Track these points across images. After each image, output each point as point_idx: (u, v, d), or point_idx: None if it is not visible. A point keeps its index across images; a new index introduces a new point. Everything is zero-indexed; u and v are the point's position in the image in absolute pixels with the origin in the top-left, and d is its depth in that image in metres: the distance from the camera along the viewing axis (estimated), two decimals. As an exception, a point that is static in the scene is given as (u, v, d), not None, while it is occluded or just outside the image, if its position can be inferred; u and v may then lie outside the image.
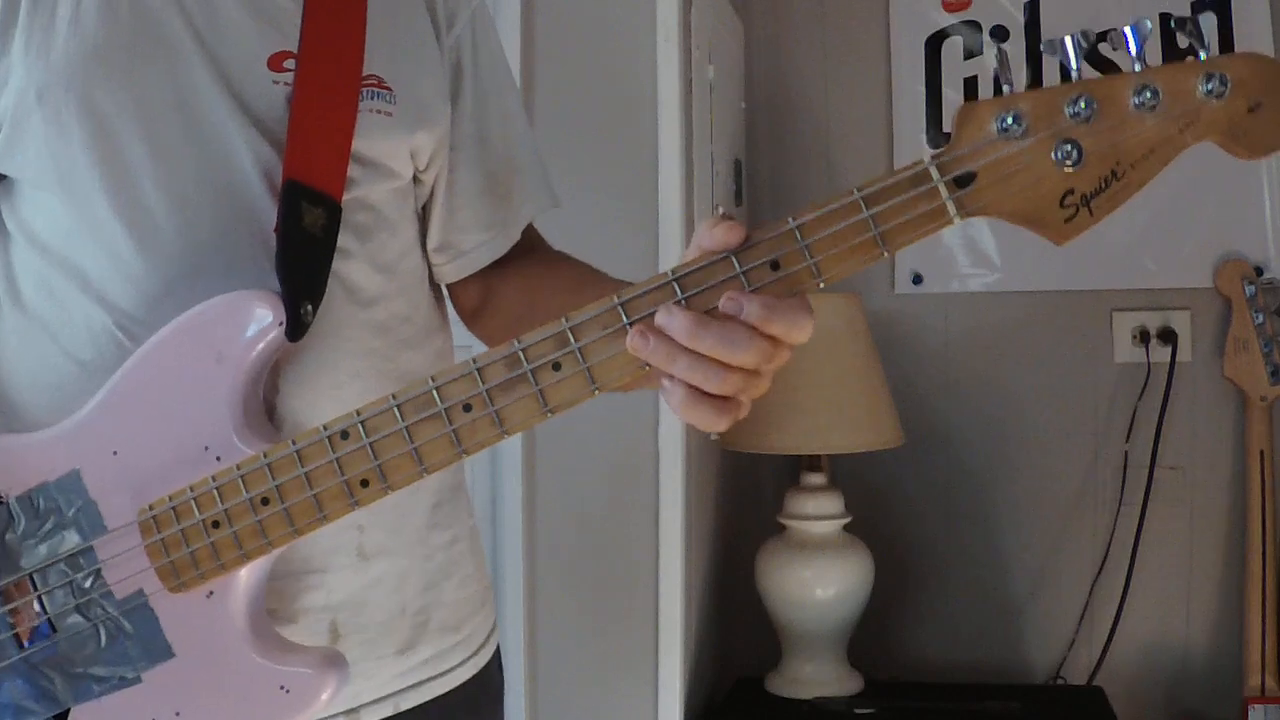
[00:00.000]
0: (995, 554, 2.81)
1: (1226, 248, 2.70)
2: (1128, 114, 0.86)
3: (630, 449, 2.26)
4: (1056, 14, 2.73)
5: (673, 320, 0.88)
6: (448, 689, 1.18)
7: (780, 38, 2.90)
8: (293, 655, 1.02)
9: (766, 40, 2.91)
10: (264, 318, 1.00)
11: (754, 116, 2.90)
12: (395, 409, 0.95)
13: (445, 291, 1.27)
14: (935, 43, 2.82)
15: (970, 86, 2.79)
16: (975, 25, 2.80)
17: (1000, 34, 2.77)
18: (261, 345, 1.01)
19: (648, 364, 0.90)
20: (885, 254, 0.88)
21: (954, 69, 2.81)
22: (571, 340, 0.92)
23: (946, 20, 2.81)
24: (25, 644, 1.01)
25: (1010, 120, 0.87)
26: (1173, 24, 0.88)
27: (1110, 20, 2.66)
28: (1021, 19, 2.76)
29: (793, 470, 2.63)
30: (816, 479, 2.56)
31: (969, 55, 2.80)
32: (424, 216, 1.22)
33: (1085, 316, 2.77)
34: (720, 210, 2.51)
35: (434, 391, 0.94)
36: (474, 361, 0.94)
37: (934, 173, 0.88)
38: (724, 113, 2.57)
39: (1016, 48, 2.74)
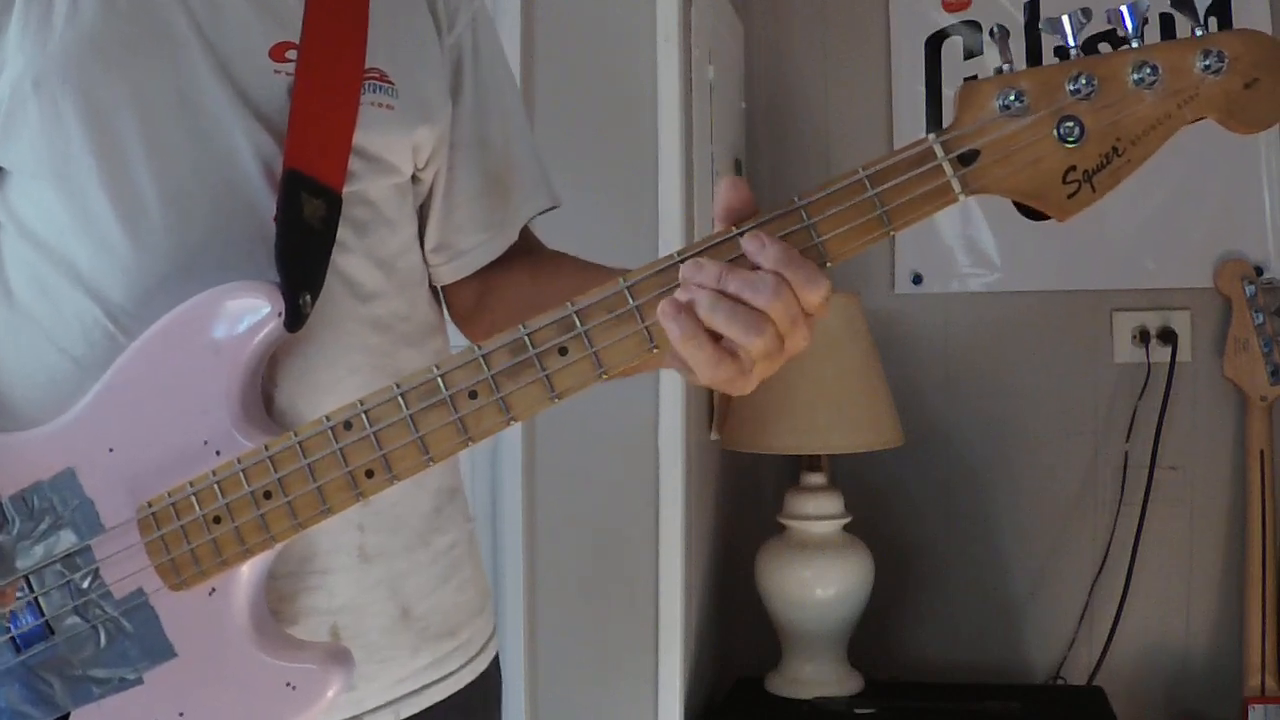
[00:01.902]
0: (995, 554, 2.81)
1: (1226, 248, 2.70)
2: (1127, 91, 0.87)
3: (630, 449, 2.25)
4: (1056, 14, 2.72)
5: (701, 268, 0.88)
6: (447, 694, 1.17)
7: (780, 38, 2.90)
8: (298, 651, 1.01)
9: (766, 40, 2.91)
10: (261, 308, 0.99)
11: (754, 116, 2.90)
12: (399, 397, 0.94)
13: (440, 294, 1.26)
14: (935, 43, 2.82)
15: (970, 86, 2.79)
16: (975, 25, 2.80)
17: (1000, 34, 2.76)
18: (260, 336, 0.99)
19: (684, 320, 0.88)
20: (890, 232, 0.89)
21: (954, 69, 2.81)
22: (578, 324, 0.91)
23: (946, 20, 2.81)
24: (22, 647, 1.00)
25: (1012, 98, 0.88)
26: (1170, 2, 0.89)
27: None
28: (1021, 19, 2.75)
29: (793, 470, 2.63)
30: (816, 479, 2.56)
31: (969, 55, 2.80)
32: (421, 216, 1.21)
33: (1085, 316, 2.77)
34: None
35: (439, 379, 0.93)
36: (479, 348, 0.93)
37: (938, 150, 0.88)
38: (724, 113, 2.57)
39: (1016, 48, 2.73)
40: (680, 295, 0.89)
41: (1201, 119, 0.87)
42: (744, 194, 0.90)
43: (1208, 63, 0.86)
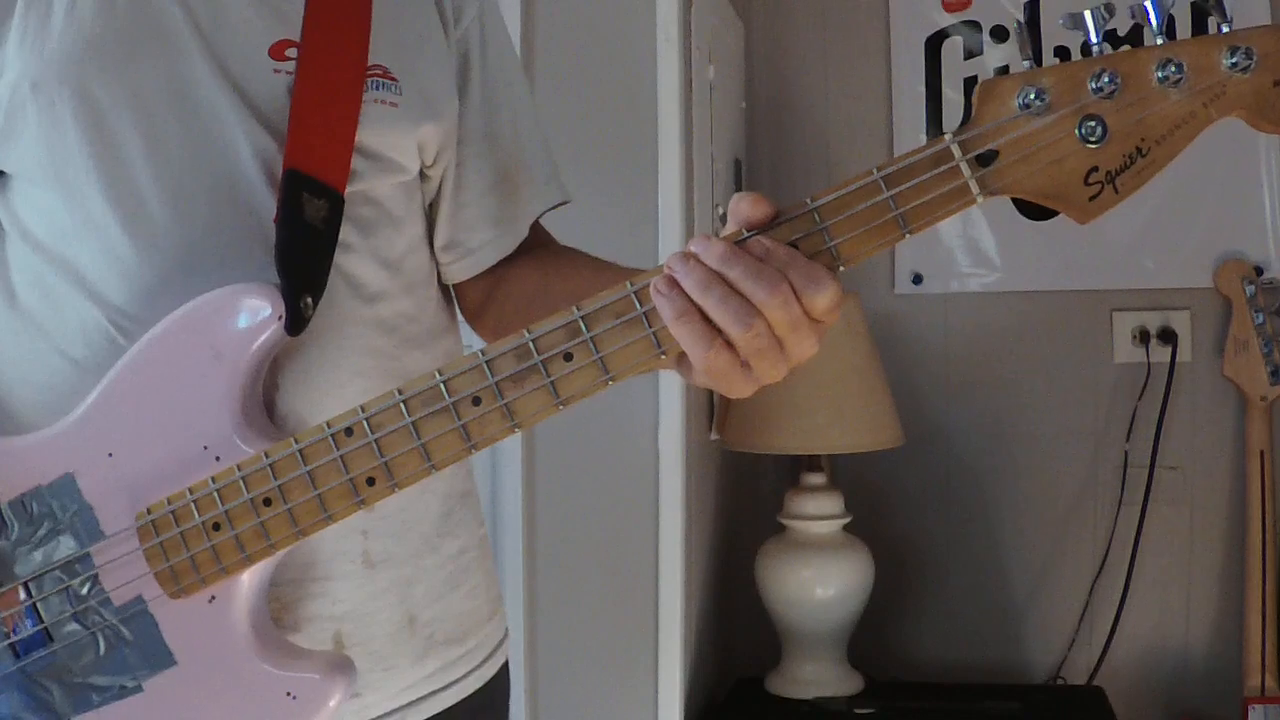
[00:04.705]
0: (995, 554, 2.81)
1: (1226, 248, 2.70)
2: (1151, 89, 0.85)
3: (630, 449, 2.25)
4: (1056, 14, 2.72)
5: (708, 247, 0.87)
6: (454, 701, 1.16)
7: (780, 38, 2.90)
8: (299, 660, 1.00)
9: (766, 40, 2.90)
10: (262, 311, 0.98)
11: (754, 116, 2.89)
12: (401, 404, 0.93)
13: (452, 291, 1.25)
14: (935, 43, 2.81)
15: (970, 87, 2.78)
16: (975, 25, 2.79)
17: (1000, 34, 2.76)
18: (260, 340, 0.98)
19: (676, 298, 0.87)
20: (906, 235, 0.87)
21: (954, 69, 2.80)
22: (584, 329, 0.90)
23: (946, 20, 2.81)
24: (21, 654, 0.99)
25: (1033, 96, 0.86)
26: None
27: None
28: (1021, 19, 2.75)
29: (793, 470, 2.62)
30: (816, 479, 2.55)
31: (969, 55, 2.79)
32: (430, 214, 1.20)
33: (1085, 316, 2.77)
34: (720, 211, 2.50)
35: (441, 385, 0.92)
36: (482, 354, 0.92)
37: (955, 151, 0.86)
38: (724, 113, 2.57)
39: (1016, 48, 2.73)
40: (676, 264, 0.87)
41: (1227, 117, 0.85)
42: (765, 210, 0.88)
43: (1235, 59, 0.83)
